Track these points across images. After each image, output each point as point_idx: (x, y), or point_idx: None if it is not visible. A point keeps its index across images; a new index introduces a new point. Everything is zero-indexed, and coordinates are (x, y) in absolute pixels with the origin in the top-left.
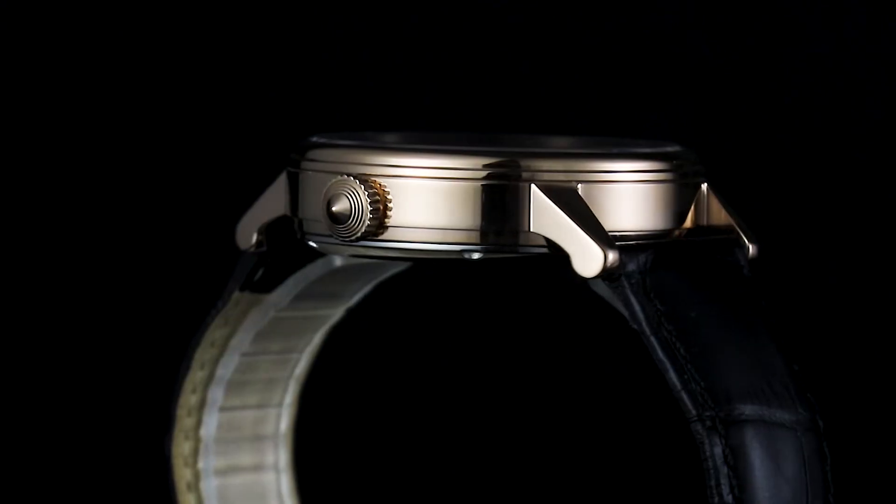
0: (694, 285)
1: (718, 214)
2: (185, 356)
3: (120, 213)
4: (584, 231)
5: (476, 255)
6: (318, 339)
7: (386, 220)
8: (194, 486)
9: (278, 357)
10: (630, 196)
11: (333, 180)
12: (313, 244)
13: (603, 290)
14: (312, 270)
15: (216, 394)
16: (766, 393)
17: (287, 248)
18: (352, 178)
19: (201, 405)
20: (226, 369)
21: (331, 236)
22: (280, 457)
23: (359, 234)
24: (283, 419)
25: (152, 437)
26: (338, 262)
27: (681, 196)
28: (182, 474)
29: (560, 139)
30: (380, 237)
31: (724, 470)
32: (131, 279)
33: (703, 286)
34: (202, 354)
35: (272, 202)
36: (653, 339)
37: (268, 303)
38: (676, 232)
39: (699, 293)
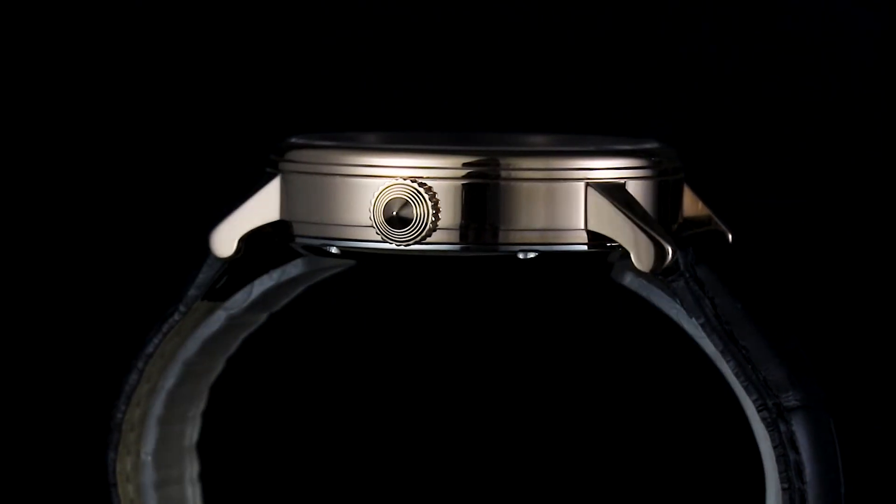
0: (721, 277)
1: (695, 206)
2: (133, 367)
3: (55, 224)
4: (645, 227)
5: (531, 255)
6: (236, 345)
7: (438, 221)
8: (137, 502)
9: (209, 366)
10: (646, 192)
11: (389, 184)
12: (333, 250)
13: (639, 285)
14: (277, 276)
15: (157, 406)
16: (801, 378)
17: (258, 256)
18: (409, 180)
19: (143, 418)
20: (168, 380)
21: (377, 241)
22: (194, 468)
23: (419, 237)
24: (196, 430)
25: (92, 452)
26: (302, 267)
27: (674, 191)
28: (125, 491)
29: (539, 137)
30: (430, 240)
31: (792, 456)
32: (64, 285)
33: (725, 278)
34: (152, 367)
35: (259, 209)
36: (715, 333)
37: (223, 311)
38: (674, 226)
39: (728, 285)
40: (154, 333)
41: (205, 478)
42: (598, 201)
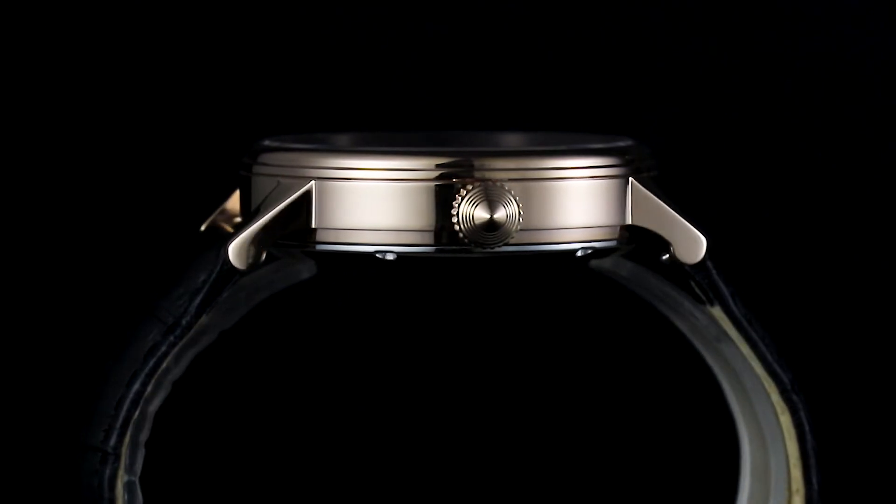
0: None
1: None
2: (130, 389)
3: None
4: (686, 219)
5: (589, 251)
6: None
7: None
8: None
9: (169, 386)
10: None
11: (478, 185)
12: (390, 257)
13: (642, 277)
14: (272, 286)
15: (144, 432)
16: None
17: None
18: (498, 182)
19: (133, 441)
20: (156, 401)
21: (460, 245)
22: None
23: (508, 239)
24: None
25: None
26: (297, 275)
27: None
28: None
29: (514, 136)
30: (514, 241)
31: (807, 434)
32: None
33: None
34: (149, 387)
35: (286, 218)
36: (738, 321)
37: (216, 325)
38: None
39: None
40: (153, 353)
41: None
42: (643, 196)
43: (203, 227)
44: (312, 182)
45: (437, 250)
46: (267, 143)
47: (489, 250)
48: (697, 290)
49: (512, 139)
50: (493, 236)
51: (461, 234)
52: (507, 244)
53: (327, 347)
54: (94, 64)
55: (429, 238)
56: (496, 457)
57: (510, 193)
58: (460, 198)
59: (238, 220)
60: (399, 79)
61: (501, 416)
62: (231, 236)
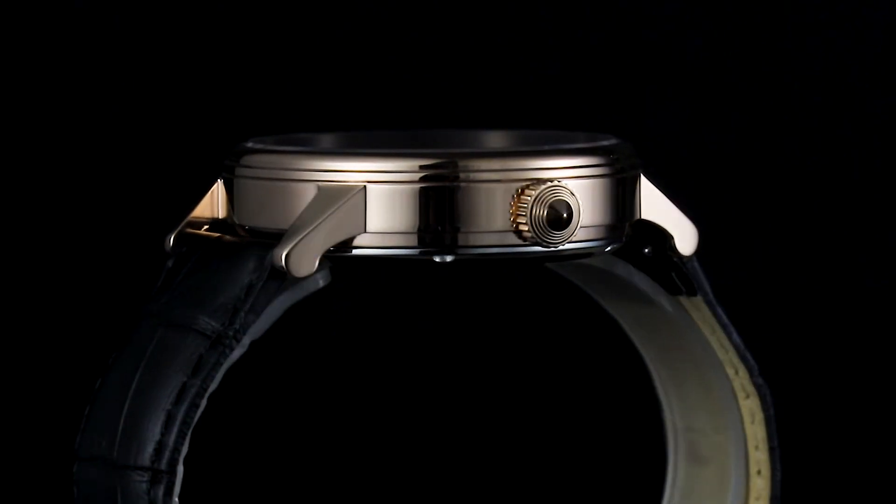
0: None
1: None
2: (187, 405)
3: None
4: (683, 213)
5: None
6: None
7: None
8: None
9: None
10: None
11: (544, 186)
12: (448, 259)
13: (641, 280)
14: (299, 291)
15: (185, 448)
16: None
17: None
18: (559, 182)
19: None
20: (197, 417)
21: (524, 245)
22: None
23: (571, 236)
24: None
25: None
26: (322, 279)
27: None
28: None
29: (500, 134)
30: (570, 239)
31: (773, 418)
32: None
33: None
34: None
35: (344, 223)
36: (715, 308)
37: (248, 336)
38: None
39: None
40: (202, 367)
41: None
42: (651, 191)
43: (172, 238)
44: (364, 186)
45: (509, 252)
46: (286, 146)
47: (552, 249)
48: (678, 281)
49: (503, 138)
50: (560, 235)
51: (527, 234)
52: (570, 242)
53: (324, 351)
54: (85, 67)
55: (493, 239)
56: (495, 458)
57: (572, 193)
58: (529, 198)
59: (207, 226)
60: (381, 78)
61: (496, 414)
62: (280, 244)
